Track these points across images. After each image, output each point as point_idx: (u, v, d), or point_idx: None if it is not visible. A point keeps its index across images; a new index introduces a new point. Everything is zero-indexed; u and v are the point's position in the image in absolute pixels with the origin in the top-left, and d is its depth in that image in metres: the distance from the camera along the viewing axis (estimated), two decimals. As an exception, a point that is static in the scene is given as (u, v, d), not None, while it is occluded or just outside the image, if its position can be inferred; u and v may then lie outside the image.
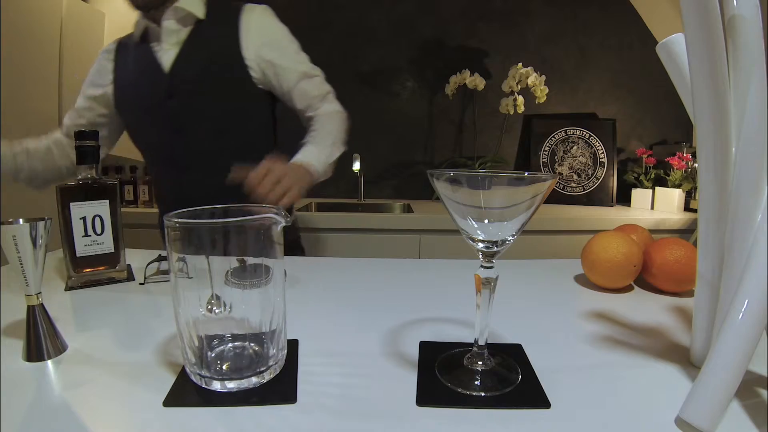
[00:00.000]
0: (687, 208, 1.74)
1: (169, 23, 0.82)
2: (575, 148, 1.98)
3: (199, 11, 0.83)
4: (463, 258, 0.75)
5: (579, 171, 1.97)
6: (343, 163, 1.97)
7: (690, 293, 0.56)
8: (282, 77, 0.86)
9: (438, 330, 0.46)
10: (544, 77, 1.84)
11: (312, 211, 1.89)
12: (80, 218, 0.57)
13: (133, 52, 0.87)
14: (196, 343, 0.34)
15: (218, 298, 0.34)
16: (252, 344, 0.35)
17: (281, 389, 0.34)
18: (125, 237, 0.61)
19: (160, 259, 0.63)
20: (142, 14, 0.84)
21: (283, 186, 0.66)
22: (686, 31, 0.32)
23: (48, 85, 1.60)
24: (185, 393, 0.33)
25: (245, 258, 0.35)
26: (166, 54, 0.83)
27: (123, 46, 0.89)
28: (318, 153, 0.80)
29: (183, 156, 0.87)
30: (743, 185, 0.33)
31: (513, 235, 0.33)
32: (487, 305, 0.35)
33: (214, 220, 0.36)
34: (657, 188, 1.79)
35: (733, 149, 0.33)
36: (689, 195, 1.74)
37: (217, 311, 0.35)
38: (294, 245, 1.05)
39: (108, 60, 0.90)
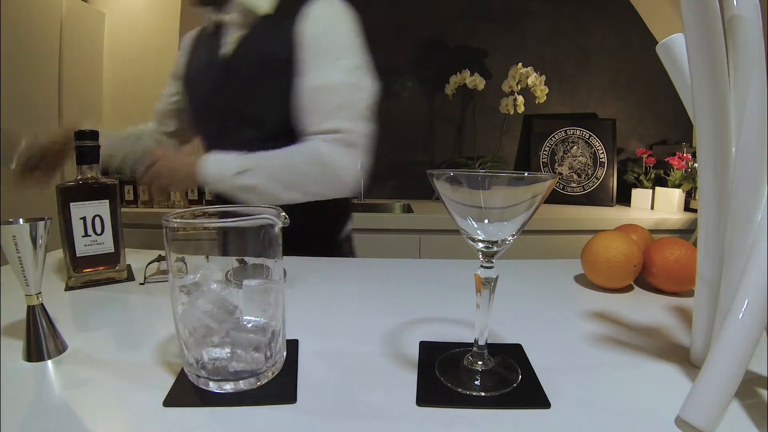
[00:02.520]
0: (687, 208, 1.74)
1: (231, 17, 0.79)
2: (575, 148, 1.98)
3: (263, 6, 0.77)
4: (463, 258, 0.75)
5: (579, 171, 1.97)
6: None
7: (690, 293, 0.56)
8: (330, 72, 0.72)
9: (438, 330, 0.46)
10: (544, 77, 1.84)
11: (312, 211, 1.88)
12: (80, 218, 0.57)
13: (204, 42, 0.85)
14: (197, 344, 0.34)
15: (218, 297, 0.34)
16: (251, 344, 0.35)
17: (281, 389, 0.34)
18: (125, 237, 0.61)
19: (160, 259, 0.63)
20: (210, 8, 0.81)
21: (153, 170, 0.67)
22: (686, 31, 0.32)
23: (48, 85, 1.60)
24: (185, 393, 0.33)
25: (245, 258, 0.35)
26: (228, 47, 0.80)
27: (200, 34, 0.88)
28: (232, 164, 0.68)
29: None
30: (743, 185, 0.33)
31: (513, 235, 0.33)
32: (487, 305, 0.35)
33: (214, 221, 0.36)
34: (657, 188, 1.79)
35: (733, 149, 0.33)
36: (689, 195, 1.74)
37: (216, 310, 0.34)
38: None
39: (187, 46, 0.89)
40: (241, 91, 0.79)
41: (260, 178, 0.69)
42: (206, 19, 0.84)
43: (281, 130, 0.77)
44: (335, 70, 0.72)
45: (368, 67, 0.77)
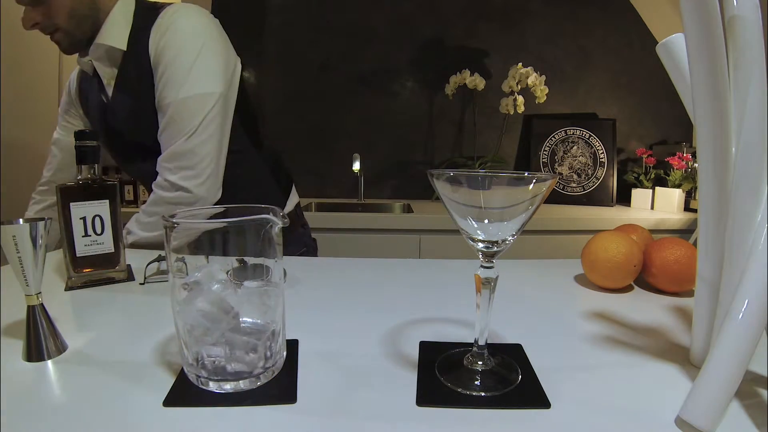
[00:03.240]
0: (687, 208, 1.74)
1: (96, 63, 0.79)
2: (575, 148, 1.98)
3: (121, 42, 0.76)
4: (463, 258, 0.75)
5: (579, 171, 1.97)
6: (343, 162, 1.98)
7: (690, 293, 0.56)
8: (163, 94, 0.74)
9: (438, 330, 0.46)
10: (544, 77, 1.84)
11: (312, 211, 1.89)
12: (80, 218, 0.57)
13: (90, 84, 0.86)
14: (195, 344, 0.34)
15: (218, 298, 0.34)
16: (251, 344, 0.35)
17: (281, 389, 0.34)
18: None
19: (160, 259, 0.63)
20: (82, 53, 0.82)
21: None
22: (686, 31, 0.32)
23: (48, 85, 1.60)
24: (185, 393, 0.33)
25: (245, 258, 0.35)
26: (109, 88, 0.81)
27: (83, 74, 0.89)
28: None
29: (145, 185, 0.87)
30: (743, 185, 0.33)
31: (513, 235, 0.33)
32: (487, 305, 0.35)
33: (213, 221, 0.36)
34: (657, 188, 1.79)
35: (733, 149, 0.33)
36: (689, 195, 1.74)
37: (214, 311, 0.34)
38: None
39: (74, 85, 0.91)
40: (131, 127, 0.81)
41: (135, 230, 0.79)
42: (80, 63, 0.84)
43: None
44: (173, 87, 0.74)
45: (218, 69, 0.77)
